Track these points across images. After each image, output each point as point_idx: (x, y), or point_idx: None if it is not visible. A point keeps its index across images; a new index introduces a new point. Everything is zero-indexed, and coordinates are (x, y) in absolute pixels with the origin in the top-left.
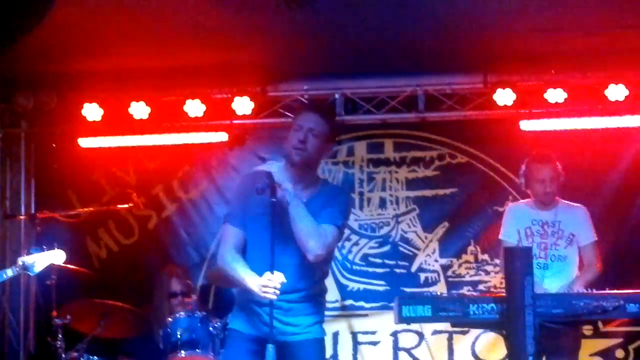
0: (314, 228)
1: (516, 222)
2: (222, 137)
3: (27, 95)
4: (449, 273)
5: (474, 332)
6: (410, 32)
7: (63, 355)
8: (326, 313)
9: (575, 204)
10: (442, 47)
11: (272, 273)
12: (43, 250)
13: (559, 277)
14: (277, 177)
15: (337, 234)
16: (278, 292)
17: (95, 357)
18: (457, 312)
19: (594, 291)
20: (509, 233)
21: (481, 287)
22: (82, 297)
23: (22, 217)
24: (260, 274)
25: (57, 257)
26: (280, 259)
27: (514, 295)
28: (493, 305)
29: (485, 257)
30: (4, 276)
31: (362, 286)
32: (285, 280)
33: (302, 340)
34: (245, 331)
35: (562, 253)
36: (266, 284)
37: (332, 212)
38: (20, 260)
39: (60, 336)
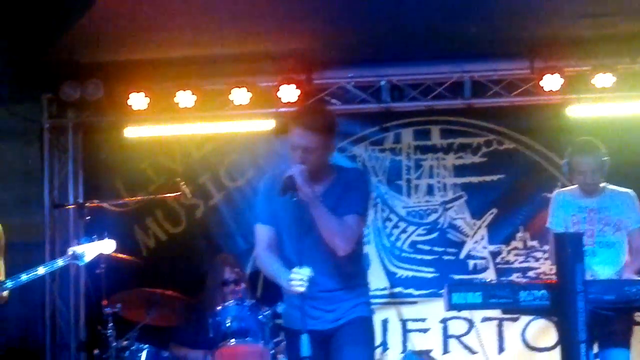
0: (336, 225)
1: (562, 210)
2: (268, 125)
3: (73, 86)
4: (498, 260)
5: (524, 319)
6: (456, 17)
7: (114, 344)
8: (375, 300)
9: (623, 189)
10: (488, 33)
11: (300, 267)
12: (93, 240)
13: (607, 264)
14: (297, 179)
15: (360, 222)
16: (306, 284)
17: (145, 345)
18: (507, 299)
19: None
20: (556, 221)
21: (531, 273)
22: (131, 286)
23: (70, 207)
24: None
25: (107, 246)
26: (313, 255)
27: (565, 282)
28: (544, 291)
29: (535, 243)
30: (55, 266)
31: (410, 273)
32: (312, 274)
33: (347, 322)
34: (294, 327)
35: (610, 239)
36: (293, 277)
37: (351, 200)
38: (70, 250)
39: (110, 325)
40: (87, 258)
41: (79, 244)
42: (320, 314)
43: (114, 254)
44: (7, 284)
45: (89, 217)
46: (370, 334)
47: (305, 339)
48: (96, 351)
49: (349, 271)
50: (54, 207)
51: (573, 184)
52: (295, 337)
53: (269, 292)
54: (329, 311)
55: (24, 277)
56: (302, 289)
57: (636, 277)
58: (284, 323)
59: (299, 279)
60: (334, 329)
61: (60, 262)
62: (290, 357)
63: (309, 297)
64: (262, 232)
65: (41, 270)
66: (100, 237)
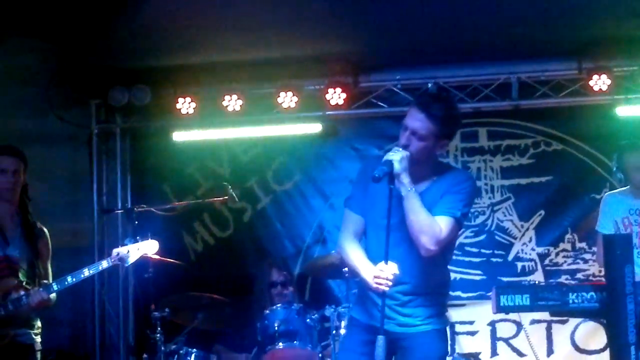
0: (427, 223)
1: (612, 212)
2: (315, 128)
3: (121, 91)
4: (546, 262)
5: (573, 321)
6: (503, 18)
7: (162, 348)
8: None
9: None
10: (535, 34)
11: (386, 263)
12: (137, 241)
13: None
14: (397, 166)
15: (454, 226)
16: (390, 283)
17: (193, 349)
18: (556, 301)
19: None
20: (605, 224)
21: (579, 275)
22: (179, 290)
23: (119, 211)
24: (375, 263)
25: (150, 246)
26: (395, 250)
27: (614, 284)
28: (593, 293)
29: (583, 245)
30: (100, 267)
31: (458, 276)
32: (398, 272)
33: (421, 332)
34: (363, 320)
35: None
36: (378, 274)
37: (450, 201)
38: (115, 251)
39: (159, 329)
40: (132, 259)
41: (123, 245)
42: (394, 315)
43: (161, 258)
44: (54, 286)
45: (137, 222)
46: (444, 349)
47: (381, 342)
48: (145, 355)
49: (432, 277)
50: (102, 212)
51: (622, 186)
52: (359, 329)
53: (317, 295)
54: (404, 315)
55: (69, 279)
56: (385, 288)
57: None
58: (352, 312)
59: (384, 276)
60: (405, 335)
61: (104, 264)
62: (349, 344)
63: (382, 294)
64: (349, 219)
65: (86, 272)
66: (145, 239)
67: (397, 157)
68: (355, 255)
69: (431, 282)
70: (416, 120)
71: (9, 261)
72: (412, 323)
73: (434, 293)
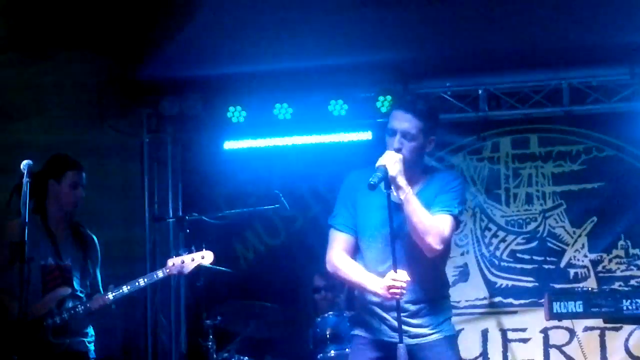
0: (431, 223)
1: None
2: (366, 135)
3: (172, 101)
4: (599, 268)
5: (627, 328)
6: (553, 24)
7: (214, 356)
8: (475, 310)
9: None
10: (586, 39)
11: (395, 272)
12: (192, 252)
13: None
14: (392, 170)
15: (453, 223)
16: (404, 291)
17: (245, 357)
18: (609, 308)
19: None
20: None
21: (633, 282)
22: (231, 298)
23: (170, 220)
24: (376, 273)
25: (205, 257)
26: (401, 262)
27: None
28: None
29: (637, 251)
30: (155, 277)
31: (510, 283)
32: (409, 278)
33: (434, 340)
34: (370, 336)
35: None
36: (392, 284)
37: (446, 200)
38: (170, 262)
39: (211, 337)
40: (186, 269)
41: (178, 255)
42: (405, 328)
43: (213, 266)
44: (109, 295)
45: (188, 230)
46: (458, 354)
47: (403, 350)
48: None
49: (435, 281)
50: (154, 220)
51: None
52: (367, 347)
53: None
54: (414, 326)
55: (125, 288)
56: (401, 298)
57: None
58: (355, 331)
59: (398, 285)
60: (419, 346)
61: (160, 274)
62: None
63: (389, 307)
64: (339, 240)
65: (141, 282)
66: (199, 249)
67: (390, 160)
68: (355, 270)
69: (436, 286)
70: (404, 121)
71: (61, 270)
72: (424, 333)
73: (440, 298)
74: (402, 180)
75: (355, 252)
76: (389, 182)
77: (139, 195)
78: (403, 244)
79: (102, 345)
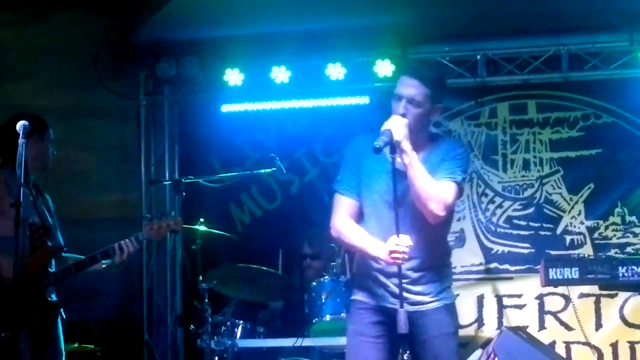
0: (434, 188)
1: None
2: (363, 100)
3: (169, 63)
4: (596, 235)
5: (623, 295)
6: None
7: (209, 319)
8: (470, 276)
9: None
10: (585, 5)
11: (398, 236)
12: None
13: None
14: (397, 134)
15: (457, 191)
16: (407, 256)
17: (240, 320)
18: (605, 275)
19: None
20: None
21: (629, 249)
22: (226, 261)
23: (166, 182)
24: (380, 240)
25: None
26: (405, 227)
27: None
28: None
29: (633, 219)
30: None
31: (506, 249)
32: (412, 244)
33: (434, 308)
34: (371, 302)
35: None
36: (394, 248)
37: (450, 167)
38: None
39: (206, 300)
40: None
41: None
42: (406, 295)
43: (209, 229)
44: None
45: (184, 193)
46: (457, 322)
47: (403, 315)
48: (192, 326)
49: (438, 248)
50: (150, 183)
51: None
52: (367, 312)
53: None
54: (415, 293)
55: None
56: (403, 263)
57: None
58: (355, 296)
59: (401, 250)
60: (418, 313)
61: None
62: (359, 329)
63: (390, 273)
64: (343, 204)
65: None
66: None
67: (395, 125)
68: (358, 234)
69: (437, 254)
70: (410, 87)
71: (45, 229)
72: (425, 301)
73: (442, 265)
74: (407, 145)
75: (360, 217)
76: (394, 146)
77: (135, 158)
78: (406, 211)
79: (96, 307)
